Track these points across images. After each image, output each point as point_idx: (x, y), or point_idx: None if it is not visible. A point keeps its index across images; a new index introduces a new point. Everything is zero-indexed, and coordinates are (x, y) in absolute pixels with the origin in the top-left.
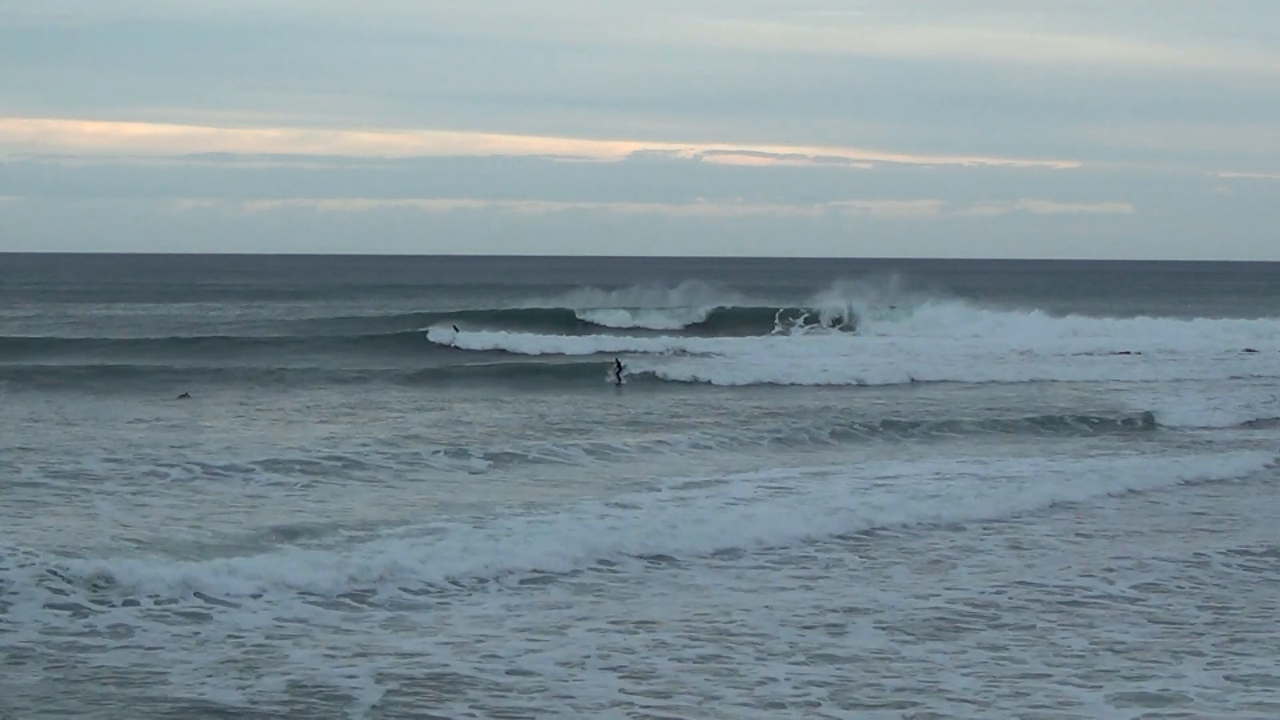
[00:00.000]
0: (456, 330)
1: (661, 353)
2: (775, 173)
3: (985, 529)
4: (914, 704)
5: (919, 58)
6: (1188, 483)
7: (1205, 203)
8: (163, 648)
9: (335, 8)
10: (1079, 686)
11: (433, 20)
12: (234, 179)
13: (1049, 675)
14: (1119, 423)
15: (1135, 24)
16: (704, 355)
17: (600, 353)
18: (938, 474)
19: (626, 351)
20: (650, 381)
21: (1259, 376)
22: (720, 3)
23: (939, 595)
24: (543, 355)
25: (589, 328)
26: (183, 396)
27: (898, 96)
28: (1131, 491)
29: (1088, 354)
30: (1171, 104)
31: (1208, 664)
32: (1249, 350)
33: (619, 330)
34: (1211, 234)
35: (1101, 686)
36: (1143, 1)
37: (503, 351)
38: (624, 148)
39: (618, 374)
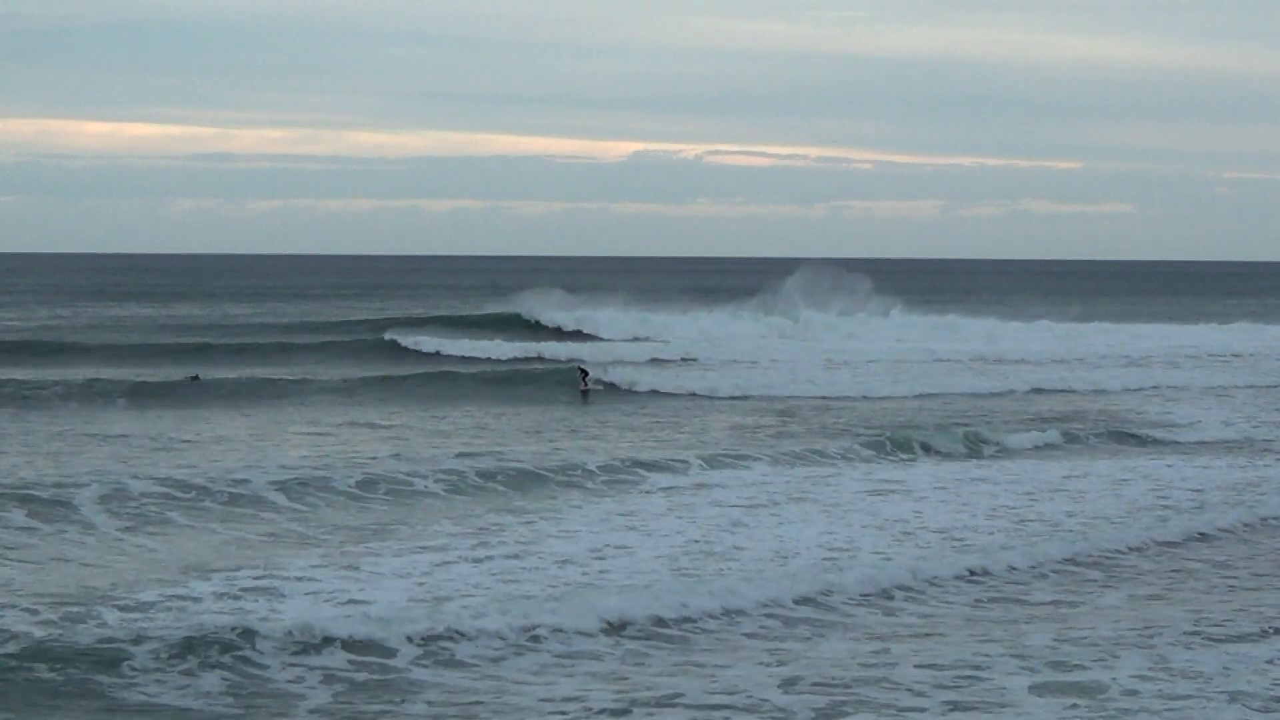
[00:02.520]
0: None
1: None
2: (776, 173)
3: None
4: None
5: (919, 58)
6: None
7: (1206, 203)
8: (113, 646)
9: (335, 8)
10: (1012, 675)
11: (433, 20)
12: (235, 179)
13: (991, 666)
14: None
15: (1136, 24)
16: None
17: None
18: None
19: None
20: (615, 390)
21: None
22: (720, 3)
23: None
24: (513, 360)
25: (551, 333)
26: (193, 379)
27: (898, 96)
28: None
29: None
30: (1171, 104)
31: (1149, 658)
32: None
33: (577, 335)
34: (1212, 234)
35: (1036, 677)
36: (1144, 1)
37: (465, 359)
38: (625, 148)
39: (584, 381)
